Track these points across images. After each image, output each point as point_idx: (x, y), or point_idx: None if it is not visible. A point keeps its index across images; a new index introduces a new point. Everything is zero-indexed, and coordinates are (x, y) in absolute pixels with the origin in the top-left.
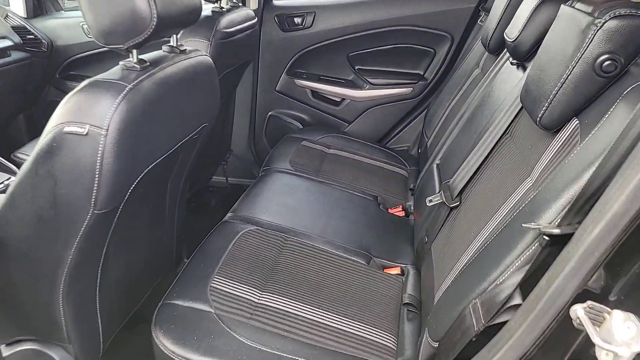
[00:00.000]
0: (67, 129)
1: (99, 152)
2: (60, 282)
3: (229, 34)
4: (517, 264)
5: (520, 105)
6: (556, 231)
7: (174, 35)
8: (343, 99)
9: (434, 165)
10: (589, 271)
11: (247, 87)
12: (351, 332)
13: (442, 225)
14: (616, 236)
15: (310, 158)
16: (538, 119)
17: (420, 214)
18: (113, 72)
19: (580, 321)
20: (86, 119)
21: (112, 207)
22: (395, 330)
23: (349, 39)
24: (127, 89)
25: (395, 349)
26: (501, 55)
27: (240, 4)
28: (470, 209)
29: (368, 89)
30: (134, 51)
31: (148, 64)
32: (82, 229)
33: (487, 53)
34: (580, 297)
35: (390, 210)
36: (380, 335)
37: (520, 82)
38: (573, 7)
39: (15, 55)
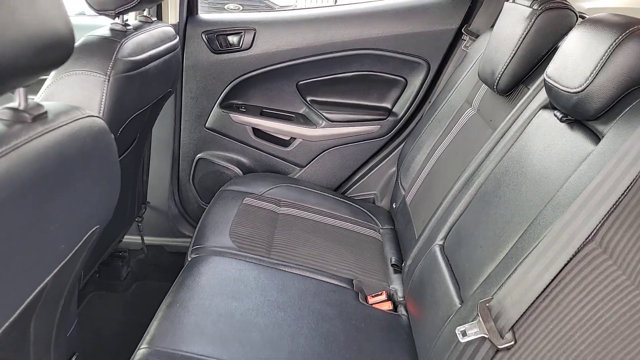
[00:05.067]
0: None
1: None
2: None
3: (137, 63)
4: None
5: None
6: None
7: (19, 90)
8: (293, 138)
9: (436, 248)
10: None
11: (168, 124)
12: None
13: None
14: None
15: (258, 225)
16: None
17: (425, 317)
18: None
19: None
20: None
21: None
22: None
23: (299, 63)
24: None
25: None
26: (524, 100)
27: (154, 18)
28: (537, 355)
29: (324, 126)
30: None
31: None
32: None
33: (485, 89)
34: None
35: (370, 299)
36: None
37: (581, 148)
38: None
39: None
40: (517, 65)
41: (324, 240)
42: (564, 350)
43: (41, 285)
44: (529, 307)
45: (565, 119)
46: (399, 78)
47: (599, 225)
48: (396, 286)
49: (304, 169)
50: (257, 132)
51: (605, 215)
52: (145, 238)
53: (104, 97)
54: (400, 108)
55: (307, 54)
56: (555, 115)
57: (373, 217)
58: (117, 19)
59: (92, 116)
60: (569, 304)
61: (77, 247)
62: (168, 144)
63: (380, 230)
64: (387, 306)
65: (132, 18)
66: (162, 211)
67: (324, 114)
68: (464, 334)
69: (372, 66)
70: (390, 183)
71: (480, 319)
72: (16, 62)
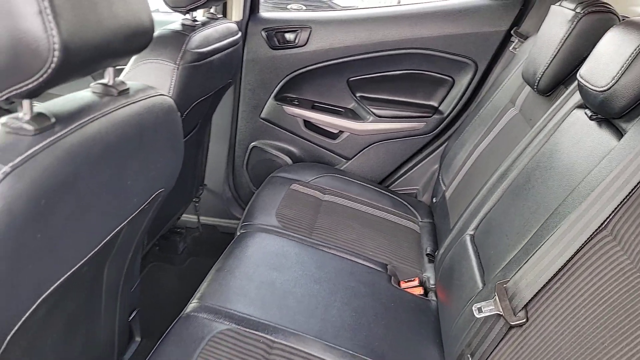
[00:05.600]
0: None
1: None
2: None
3: (202, 54)
4: None
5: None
6: None
7: (109, 70)
8: (341, 132)
9: (467, 238)
10: None
11: (226, 112)
12: None
13: (497, 345)
14: None
15: (302, 209)
16: None
17: (450, 300)
18: None
19: None
20: None
21: None
22: None
23: (350, 61)
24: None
25: None
26: (561, 99)
27: (220, 16)
28: (545, 331)
29: (372, 121)
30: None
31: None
32: None
33: (528, 89)
34: None
35: (403, 284)
36: None
37: (606, 144)
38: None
39: None
40: (557, 66)
41: (363, 227)
42: (568, 327)
43: (117, 228)
44: (542, 288)
45: (594, 117)
46: (446, 77)
47: (612, 214)
48: (429, 274)
49: (350, 161)
50: (308, 124)
51: (618, 206)
52: (200, 217)
53: (172, 83)
54: (447, 107)
55: (358, 52)
56: (585, 114)
57: (413, 210)
58: (187, 15)
59: (164, 95)
60: (577, 286)
61: (146, 203)
62: (226, 131)
63: (419, 223)
64: (419, 291)
65: (200, 15)
66: (217, 193)
67: (372, 109)
68: (479, 310)
69: (420, 65)
70: (432, 179)
71: (497, 298)
72: (110, 46)
